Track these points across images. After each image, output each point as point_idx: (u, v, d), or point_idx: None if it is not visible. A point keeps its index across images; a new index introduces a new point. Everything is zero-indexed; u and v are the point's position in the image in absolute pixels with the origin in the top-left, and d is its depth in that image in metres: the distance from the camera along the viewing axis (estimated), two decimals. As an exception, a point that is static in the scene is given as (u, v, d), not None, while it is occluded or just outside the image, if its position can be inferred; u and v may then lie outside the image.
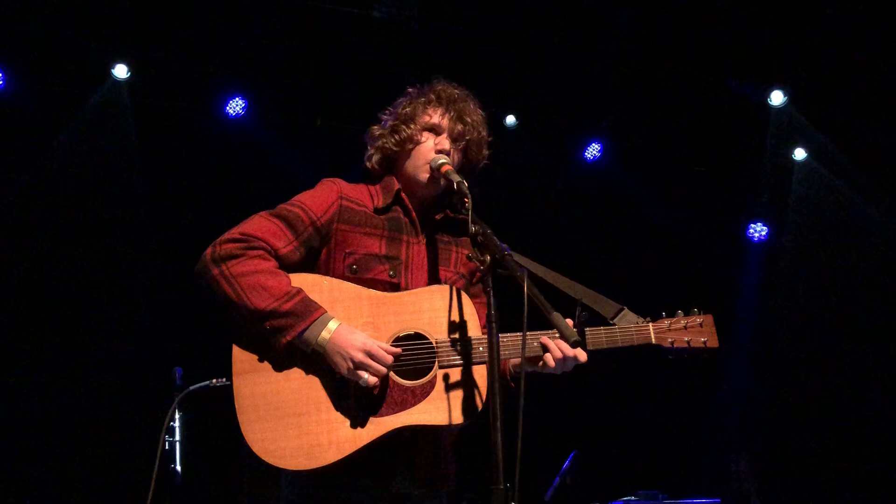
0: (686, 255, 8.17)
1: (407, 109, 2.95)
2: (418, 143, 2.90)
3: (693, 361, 2.83)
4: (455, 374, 2.67)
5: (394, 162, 2.98)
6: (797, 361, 7.95)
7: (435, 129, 2.92)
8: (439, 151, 2.88)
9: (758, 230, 8.54)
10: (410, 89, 3.04)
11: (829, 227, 7.98)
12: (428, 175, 2.86)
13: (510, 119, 7.66)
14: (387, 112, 3.03)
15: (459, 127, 2.91)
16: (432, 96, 2.96)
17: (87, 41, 6.40)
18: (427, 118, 2.93)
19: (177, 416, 5.08)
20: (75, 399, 6.24)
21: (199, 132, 6.93)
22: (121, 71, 6.60)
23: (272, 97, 7.08)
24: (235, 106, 7.02)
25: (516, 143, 7.62)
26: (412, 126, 2.91)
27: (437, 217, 2.97)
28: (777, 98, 7.66)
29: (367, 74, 6.67)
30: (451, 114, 2.92)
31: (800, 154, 8.18)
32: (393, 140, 2.93)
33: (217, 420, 2.80)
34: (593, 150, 8.09)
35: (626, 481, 6.75)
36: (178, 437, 5.08)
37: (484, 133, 2.98)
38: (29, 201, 6.41)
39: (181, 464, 5.08)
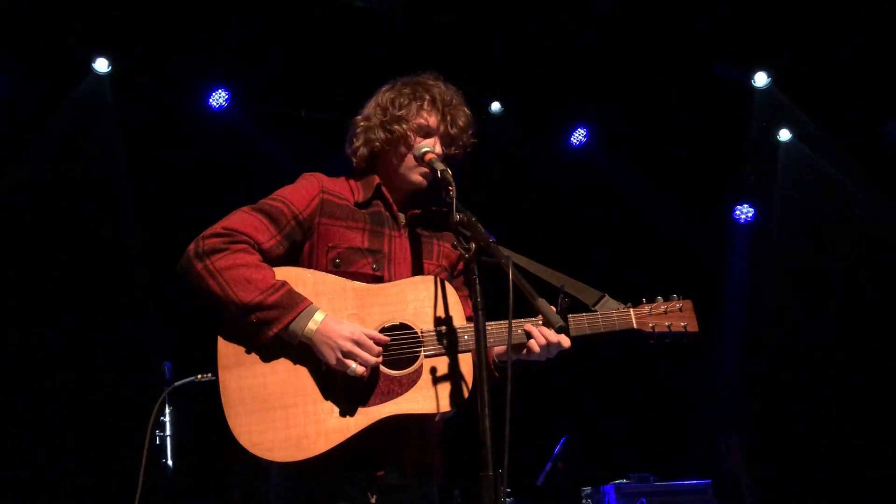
0: (673, 237, 8.20)
1: (402, 111, 2.91)
2: (411, 146, 2.89)
3: (675, 345, 2.87)
4: (441, 363, 2.69)
5: (378, 156, 2.96)
6: (785, 342, 8.00)
7: (428, 132, 2.92)
8: None
9: (744, 212, 8.59)
10: (400, 81, 3.00)
11: (815, 207, 8.02)
12: (419, 176, 2.87)
13: (495, 105, 7.65)
14: (372, 103, 2.99)
15: (453, 131, 2.91)
16: (427, 97, 2.93)
17: (68, 35, 6.35)
18: (422, 121, 2.91)
19: (167, 410, 5.09)
20: (65, 394, 6.22)
21: (182, 125, 6.89)
22: (102, 65, 6.56)
23: (256, 88, 7.04)
24: (219, 98, 6.99)
25: (501, 129, 7.61)
26: (404, 126, 2.89)
27: (417, 211, 2.96)
28: (761, 79, 7.69)
29: (351, 63, 6.64)
30: (448, 119, 2.91)
31: (784, 135, 8.22)
32: (384, 138, 2.91)
33: (208, 413, 2.80)
34: (579, 136, 8.11)
35: (617, 464, 6.79)
36: (168, 432, 5.09)
37: (471, 133, 2.98)
38: (11, 197, 6.36)
39: (173, 457, 5.09)
